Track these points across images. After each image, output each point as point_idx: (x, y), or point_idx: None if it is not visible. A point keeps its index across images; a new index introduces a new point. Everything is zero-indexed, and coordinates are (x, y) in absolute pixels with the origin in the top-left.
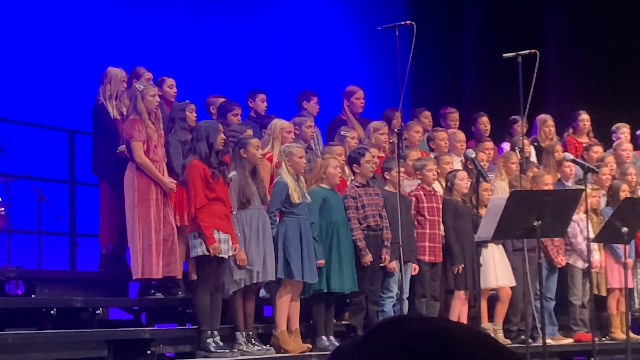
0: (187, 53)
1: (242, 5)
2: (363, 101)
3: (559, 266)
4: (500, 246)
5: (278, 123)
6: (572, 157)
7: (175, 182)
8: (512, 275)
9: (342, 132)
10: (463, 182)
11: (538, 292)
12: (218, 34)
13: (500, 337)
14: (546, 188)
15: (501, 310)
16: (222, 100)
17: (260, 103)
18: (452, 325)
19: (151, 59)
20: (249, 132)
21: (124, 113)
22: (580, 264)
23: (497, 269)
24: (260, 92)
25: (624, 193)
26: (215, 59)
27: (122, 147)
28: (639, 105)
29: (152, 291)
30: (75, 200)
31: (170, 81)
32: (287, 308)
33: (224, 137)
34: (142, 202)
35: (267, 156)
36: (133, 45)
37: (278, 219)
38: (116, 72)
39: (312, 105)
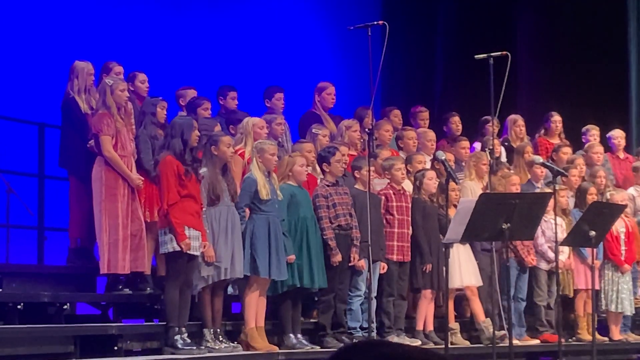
0: (160, 48)
1: (215, 1)
2: (334, 97)
3: (529, 266)
4: (467, 246)
5: (250, 120)
6: (542, 160)
7: (143, 178)
8: (479, 275)
9: (313, 130)
10: (431, 181)
11: (508, 293)
12: (191, 30)
13: (491, 331)
14: (513, 188)
15: (478, 307)
16: (193, 92)
17: (230, 100)
18: (413, 352)
19: (123, 54)
20: (218, 126)
21: (94, 107)
22: (544, 265)
23: (462, 268)
24: (231, 90)
25: (592, 195)
26: (188, 54)
27: (92, 142)
28: (609, 107)
29: (120, 286)
30: (44, 194)
31: (142, 76)
32: (255, 305)
33: (199, 133)
34: (109, 196)
35: (239, 153)
36: (106, 39)
37: (247, 215)
38: (82, 66)
39: (275, 102)
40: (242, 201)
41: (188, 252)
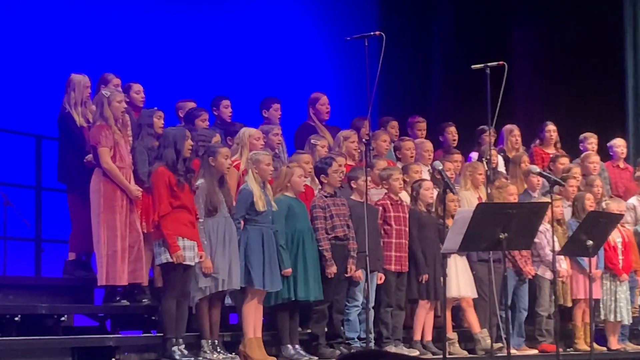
0: (156, 59)
1: (212, 12)
2: (328, 106)
3: (528, 276)
4: (464, 257)
5: (247, 131)
6: (538, 170)
7: (141, 189)
8: (474, 286)
9: (312, 141)
10: (428, 192)
11: (505, 303)
12: (188, 41)
13: (488, 342)
14: (511, 198)
15: (474, 318)
16: (192, 104)
17: (224, 109)
18: None
19: (119, 65)
20: (217, 137)
21: (90, 120)
22: (549, 275)
23: (459, 279)
24: (224, 98)
25: (589, 203)
26: (185, 65)
27: (90, 157)
28: (606, 116)
29: (118, 298)
30: (42, 205)
31: (137, 87)
32: (253, 316)
33: (192, 143)
34: (107, 208)
35: (235, 164)
36: (101, 50)
37: (242, 226)
38: (79, 79)
39: (273, 113)
40: (238, 212)
41: (183, 262)
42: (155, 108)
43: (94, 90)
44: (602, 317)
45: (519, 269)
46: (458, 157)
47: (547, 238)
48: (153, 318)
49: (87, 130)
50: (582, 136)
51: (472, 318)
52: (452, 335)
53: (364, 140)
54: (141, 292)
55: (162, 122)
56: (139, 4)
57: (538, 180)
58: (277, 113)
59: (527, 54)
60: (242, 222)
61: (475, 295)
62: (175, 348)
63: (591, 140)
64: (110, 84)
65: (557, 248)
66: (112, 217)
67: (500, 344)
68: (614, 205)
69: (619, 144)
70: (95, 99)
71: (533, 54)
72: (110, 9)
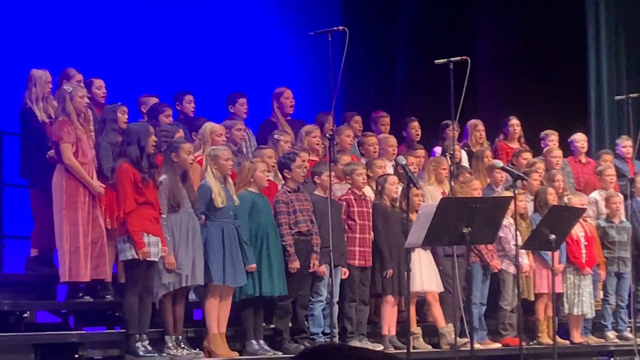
0: (118, 54)
1: (175, 6)
2: (292, 101)
3: (494, 271)
4: (429, 251)
5: (208, 126)
6: (502, 164)
7: (104, 186)
8: (439, 281)
9: (275, 136)
10: (393, 186)
11: (471, 297)
12: (151, 36)
13: (452, 337)
14: (475, 193)
15: (439, 312)
16: (155, 99)
17: (187, 104)
18: (372, 355)
19: (80, 60)
20: (180, 132)
21: (52, 115)
22: (513, 269)
23: (423, 273)
24: (187, 93)
25: (551, 197)
26: (147, 60)
27: (51, 152)
28: (568, 111)
29: (81, 294)
30: (3, 201)
31: (99, 82)
32: (216, 311)
33: (155, 139)
34: (70, 204)
35: (198, 159)
36: (62, 46)
37: (204, 222)
38: (40, 74)
39: (239, 108)
40: (198, 209)
41: (147, 259)
42: (119, 103)
43: (55, 85)
44: (566, 311)
45: (486, 263)
46: (421, 152)
47: (512, 232)
48: (116, 314)
49: (48, 126)
50: (543, 133)
51: (437, 313)
52: (416, 329)
53: (327, 135)
54: (104, 289)
55: (126, 117)
56: None
57: (502, 176)
58: (243, 108)
59: (491, 49)
60: (203, 218)
61: (441, 290)
62: (138, 344)
63: (552, 138)
64: (73, 80)
65: (520, 242)
66: (74, 213)
67: (465, 339)
68: (576, 200)
69: (579, 139)
70: (57, 94)
71: (496, 49)
72: (71, 4)
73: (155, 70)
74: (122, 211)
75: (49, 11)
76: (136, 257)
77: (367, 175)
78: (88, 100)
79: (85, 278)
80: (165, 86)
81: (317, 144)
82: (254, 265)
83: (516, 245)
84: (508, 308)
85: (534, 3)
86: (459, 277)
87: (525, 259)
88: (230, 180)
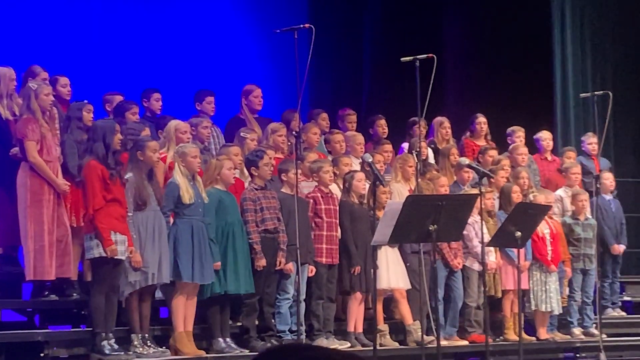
0: (83, 52)
1: (141, 3)
2: (261, 99)
3: (455, 269)
4: (396, 248)
5: (173, 124)
6: (467, 161)
7: (69, 184)
8: (407, 278)
9: (241, 134)
10: (360, 183)
11: (435, 294)
12: (117, 33)
13: (419, 334)
14: (442, 190)
15: (406, 309)
16: (119, 97)
17: (155, 102)
18: (333, 354)
19: (45, 58)
20: (147, 130)
21: (16, 112)
22: (477, 267)
23: (390, 270)
24: (155, 91)
25: (516, 195)
26: (113, 58)
27: (15, 150)
28: (534, 109)
29: (46, 292)
30: None
31: (63, 80)
32: (182, 310)
33: (121, 137)
34: (35, 202)
35: (162, 157)
36: (27, 43)
37: (171, 220)
38: (4, 72)
39: (206, 106)
40: (166, 206)
41: (114, 257)
42: (85, 101)
43: (20, 83)
44: (533, 307)
45: (447, 262)
46: (388, 147)
47: (476, 230)
48: (82, 313)
49: (13, 124)
50: (509, 130)
51: (404, 310)
52: (383, 327)
53: (294, 132)
54: (70, 287)
55: (92, 115)
56: None
57: (469, 175)
58: (210, 106)
59: (457, 47)
60: (171, 216)
61: (408, 287)
62: (105, 342)
63: (519, 134)
64: (38, 77)
65: (488, 239)
66: (39, 211)
67: (432, 337)
68: (541, 197)
69: (544, 137)
70: (22, 92)
71: (463, 46)
72: (36, 1)
73: (121, 68)
74: (91, 208)
75: (14, 8)
76: (103, 255)
77: (334, 173)
78: (53, 98)
79: (50, 276)
80: (131, 84)
81: (283, 142)
82: (219, 263)
83: (482, 242)
84: (473, 305)
85: (500, 1)
86: (425, 274)
87: (492, 257)
88: (198, 177)
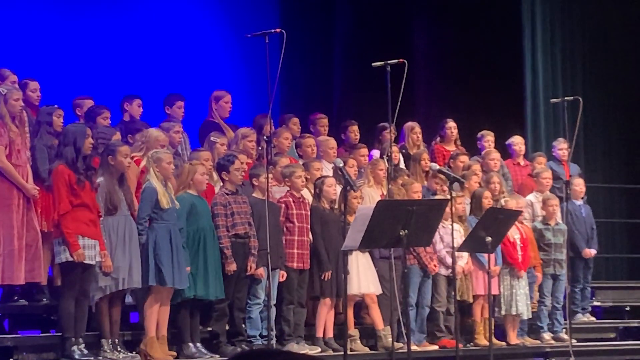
0: (52, 56)
1: (111, 7)
2: (231, 105)
3: (432, 273)
4: (367, 253)
5: (155, 133)
6: (438, 167)
7: (38, 188)
8: (378, 283)
9: (212, 138)
10: (331, 188)
11: (405, 300)
12: (86, 36)
13: (389, 340)
14: (415, 196)
15: (377, 315)
16: (90, 102)
17: (136, 108)
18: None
19: (13, 61)
20: (117, 135)
21: None
22: (443, 271)
23: (360, 276)
24: (137, 97)
25: (487, 200)
26: (83, 62)
27: None
28: (504, 114)
29: (16, 297)
30: None
31: (33, 85)
32: (156, 315)
33: (92, 141)
34: (3, 207)
35: (135, 159)
36: None
37: (148, 225)
38: None
39: (176, 110)
40: (144, 211)
41: (83, 261)
42: (55, 106)
43: None
44: (503, 312)
45: (424, 266)
46: (364, 151)
47: (441, 234)
48: (52, 317)
49: None
50: (479, 134)
51: (375, 315)
52: (353, 332)
53: (265, 137)
54: (40, 292)
55: (62, 120)
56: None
57: (441, 187)
58: (180, 110)
59: (428, 52)
60: (147, 221)
61: (379, 292)
62: (74, 348)
63: (488, 138)
64: (7, 81)
65: (457, 244)
66: (8, 216)
67: (401, 343)
68: (512, 202)
69: (517, 142)
70: None
71: (433, 51)
72: (5, 4)
73: (90, 72)
74: (57, 213)
75: None
76: (71, 259)
77: (305, 178)
78: (22, 103)
79: (20, 281)
80: (100, 88)
81: (252, 148)
82: (189, 268)
83: (453, 247)
84: (442, 310)
85: (470, 5)
86: (395, 279)
87: (461, 261)
88: (169, 183)
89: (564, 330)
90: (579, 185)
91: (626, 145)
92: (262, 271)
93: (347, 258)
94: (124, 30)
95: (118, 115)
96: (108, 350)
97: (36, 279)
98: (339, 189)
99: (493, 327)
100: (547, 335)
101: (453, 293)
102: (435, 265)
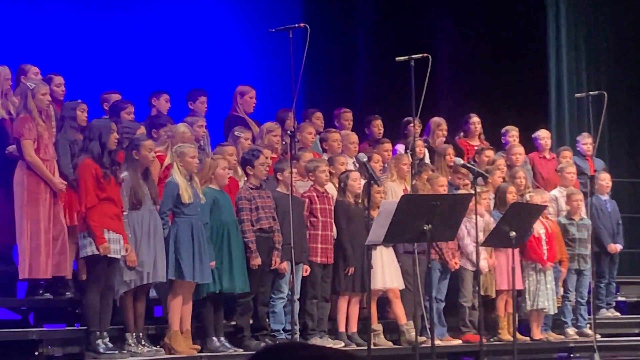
0: (78, 51)
1: (135, 4)
2: (255, 101)
3: (452, 269)
4: (390, 248)
5: (182, 129)
6: (462, 161)
7: (65, 182)
8: (401, 278)
9: (235, 133)
10: (356, 182)
11: (430, 294)
12: (112, 33)
13: (413, 335)
14: (441, 190)
15: (400, 309)
16: (117, 96)
17: (164, 103)
18: (329, 353)
19: (40, 56)
20: (142, 129)
21: (12, 111)
22: (470, 266)
23: (384, 270)
24: (165, 93)
25: (511, 195)
26: (108, 57)
27: (12, 148)
28: (528, 109)
29: (41, 291)
30: None
31: (58, 79)
32: (179, 309)
33: (117, 136)
34: (31, 201)
35: (158, 154)
36: (21, 41)
37: (170, 220)
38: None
39: (199, 105)
40: (165, 205)
41: (108, 255)
42: (79, 101)
43: (13, 81)
44: (529, 307)
45: (445, 262)
46: (388, 146)
47: (468, 229)
48: (77, 311)
49: (8, 122)
50: (503, 129)
51: (398, 309)
52: (377, 326)
53: (289, 132)
54: (65, 286)
55: (86, 115)
56: None
57: (465, 181)
58: (203, 106)
59: (451, 46)
60: (170, 216)
61: (402, 287)
62: (99, 341)
63: (512, 133)
64: (30, 74)
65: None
66: (35, 210)
67: (424, 337)
68: (537, 197)
69: (543, 136)
70: (18, 90)
71: (457, 46)
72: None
73: (115, 68)
74: (84, 206)
75: (8, 6)
76: (96, 253)
77: (330, 172)
78: (50, 98)
79: (45, 275)
80: (125, 83)
81: (277, 143)
82: (213, 263)
83: (477, 242)
84: (467, 305)
85: (494, 0)
86: (419, 274)
87: (483, 257)
88: (196, 177)
89: (588, 325)
90: (605, 179)
91: None
92: (285, 265)
93: (371, 253)
94: (149, 26)
95: (143, 110)
96: (132, 344)
97: (62, 273)
98: (362, 183)
99: (517, 322)
100: (571, 331)
101: (477, 288)
102: (456, 262)
